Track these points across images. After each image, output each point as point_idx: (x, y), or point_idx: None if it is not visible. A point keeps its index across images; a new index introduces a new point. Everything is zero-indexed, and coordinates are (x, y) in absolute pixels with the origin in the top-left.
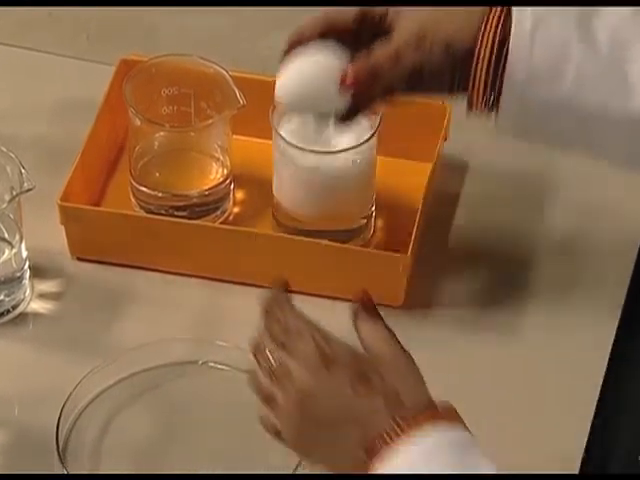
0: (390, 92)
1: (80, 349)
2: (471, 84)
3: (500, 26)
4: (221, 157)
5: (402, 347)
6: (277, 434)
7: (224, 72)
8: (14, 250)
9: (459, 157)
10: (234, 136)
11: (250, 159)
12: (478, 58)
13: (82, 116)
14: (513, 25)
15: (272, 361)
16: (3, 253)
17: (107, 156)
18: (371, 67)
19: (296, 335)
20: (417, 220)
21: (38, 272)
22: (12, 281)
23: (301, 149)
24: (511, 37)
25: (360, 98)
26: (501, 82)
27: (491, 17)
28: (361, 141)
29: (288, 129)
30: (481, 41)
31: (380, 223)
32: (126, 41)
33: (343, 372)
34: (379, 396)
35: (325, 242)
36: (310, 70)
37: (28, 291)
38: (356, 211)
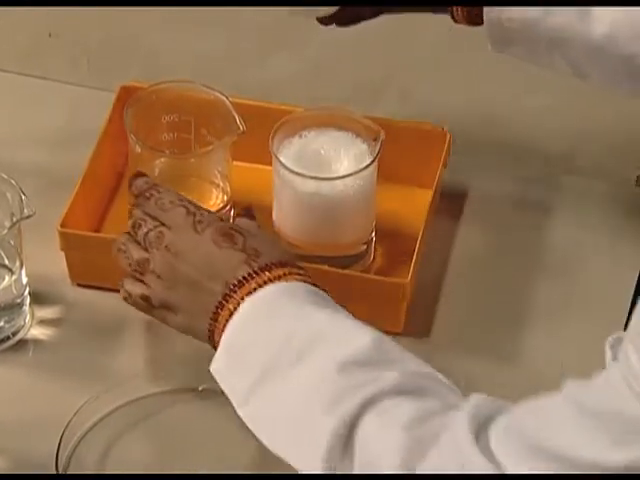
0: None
1: (80, 376)
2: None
3: None
4: (221, 183)
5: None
6: (144, 298)
7: (224, 98)
8: (14, 276)
9: (459, 183)
10: (234, 162)
11: (250, 185)
12: None
13: (83, 142)
14: None
15: (146, 230)
16: (3, 279)
17: (107, 182)
18: None
19: (169, 206)
20: (417, 246)
21: (38, 298)
22: (12, 307)
23: (301, 175)
24: None
25: None
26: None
27: None
28: (361, 167)
29: (288, 155)
30: None
31: (380, 249)
32: (127, 67)
33: (209, 231)
34: (241, 252)
35: (325, 268)
36: None
37: (28, 317)
38: (356, 237)
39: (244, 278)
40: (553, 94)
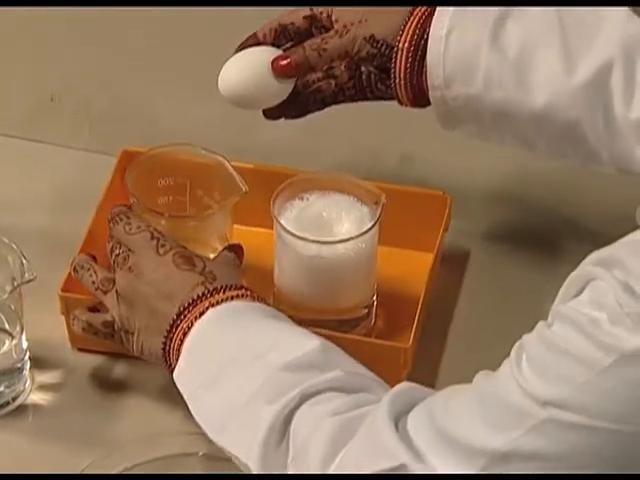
0: (329, 84)
1: (80, 441)
2: (392, 78)
3: (420, 26)
4: (219, 248)
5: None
6: (106, 325)
7: (223, 160)
8: (15, 341)
9: (460, 247)
10: (235, 225)
11: (251, 248)
12: (397, 55)
13: (84, 206)
14: (431, 29)
15: (117, 253)
16: (4, 344)
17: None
18: (299, 52)
19: (135, 230)
20: (418, 310)
21: (38, 363)
22: (12, 372)
23: (302, 239)
24: (428, 41)
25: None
26: (425, 81)
27: (414, 16)
28: (362, 231)
29: (289, 217)
30: (400, 39)
31: (381, 312)
32: (128, 131)
33: (171, 253)
34: (199, 275)
35: (326, 331)
36: (247, 60)
37: (28, 382)
38: (357, 300)
39: (198, 297)
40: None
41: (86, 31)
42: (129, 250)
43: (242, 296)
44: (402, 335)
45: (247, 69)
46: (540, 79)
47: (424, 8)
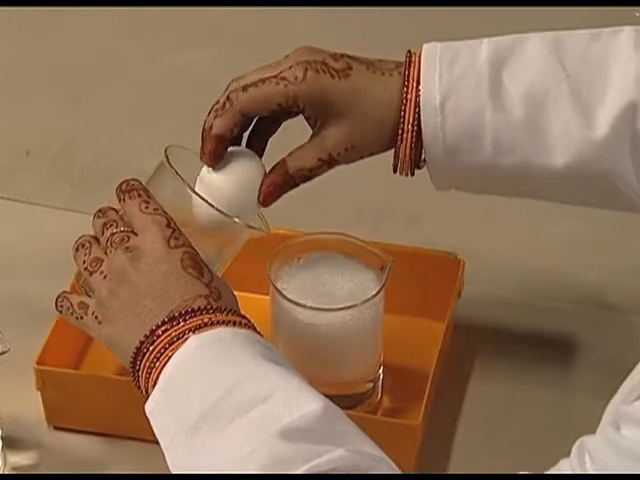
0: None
1: None
2: (395, 159)
3: (416, 100)
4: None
5: None
6: (81, 306)
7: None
8: None
9: (474, 316)
10: None
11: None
12: (402, 139)
13: (63, 271)
14: (422, 102)
15: (114, 231)
16: None
17: None
18: (283, 176)
19: (151, 211)
20: (429, 384)
21: (12, 443)
22: None
23: (300, 305)
24: (421, 115)
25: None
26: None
27: (409, 91)
28: (367, 297)
29: (287, 281)
30: (402, 121)
31: (388, 387)
32: (114, 189)
33: (181, 251)
34: (204, 286)
35: None
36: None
37: (0, 463)
38: (361, 374)
39: (199, 309)
40: (577, 219)
41: (68, 82)
42: (132, 231)
43: (244, 325)
44: (411, 412)
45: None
46: (557, 137)
47: (415, 84)
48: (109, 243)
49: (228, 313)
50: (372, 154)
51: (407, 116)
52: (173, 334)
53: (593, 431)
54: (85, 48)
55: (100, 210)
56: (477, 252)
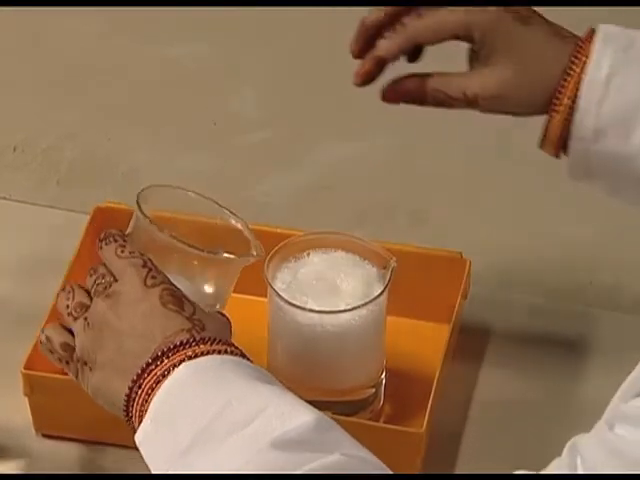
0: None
1: None
2: (543, 133)
3: (580, 75)
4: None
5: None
6: (64, 347)
7: (243, 227)
8: None
9: (480, 318)
10: None
11: (242, 319)
12: (555, 110)
13: (51, 271)
14: (587, 73)
15: (96, 277)
16: None
17: None
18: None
19: (127, 255)
20: (433, 389)
21: None
22: None
23: (300, 308)
24: (582, 87)
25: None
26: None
27: (577, 64)
28: (369, 298)
29: (284, 280)
30: (561, 91)
31: (391, 392)
32: (102, 186)
33: (160, 288)
34: (186, 320)
35: (329, 415)
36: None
37: None
38: (364, 379)
39: (181, 343)
40: (589, 219)
41: (56, 77)
42: (114, 278)
43: (230, 353)
44: (415, 419)
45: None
46: None
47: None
48: (94, 292)
49: (213, 343)
50: (513, 113)
51: (568, 87)
52: (159, 372)
53: None
54: (73, 43)
55: (92, 267)
56: (484, 251)
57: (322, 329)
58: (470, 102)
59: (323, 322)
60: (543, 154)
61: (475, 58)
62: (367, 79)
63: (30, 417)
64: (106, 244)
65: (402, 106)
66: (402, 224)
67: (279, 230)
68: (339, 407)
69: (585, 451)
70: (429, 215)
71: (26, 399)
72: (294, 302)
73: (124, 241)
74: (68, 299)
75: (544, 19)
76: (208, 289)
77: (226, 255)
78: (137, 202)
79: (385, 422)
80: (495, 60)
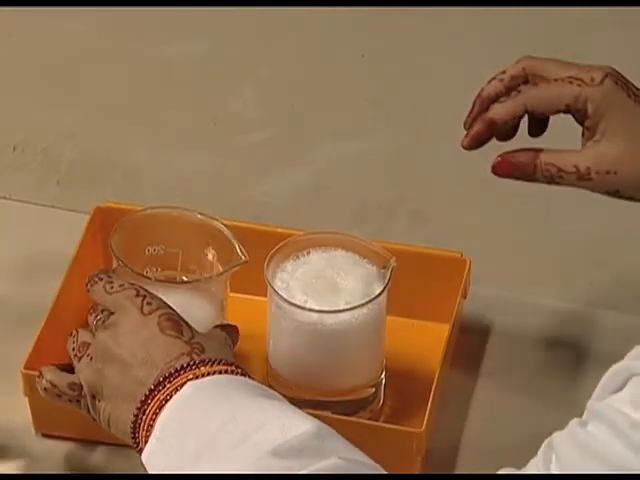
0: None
1: None
2: None
3: None
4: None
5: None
6: (72, 387)
7: (223, 227)
8: None
9: (480, 317)
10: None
11: (244, 319)
12: None
13: (51, 271)
14: None
15: (95, 314)
16: None
17: (78, 317)
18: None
19: (117, 289)
20: (433, 389)
21: None
22: None
23: (300, 307)
24: None
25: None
26: None
27: None
28: (369, 298)
29: (284, 279)
30: None
31: (391, 392)
32: (102, 186)
33: (157, 314)
34: (185, 344)
35: (328, 414)
36: None
37: None
38: (363, 378)
39: (182, 368)
40: (588, 219)
41: (55, 77)
42: (110, 312)
43: (231, 372)
44: (415, 418)
45: None
46: None
47: None
48: (94, 328)
49: (213, 364)
50: (629, 198)
51: None
52: (162, 397)
53: None
54: (73, 43)
55: (91, 307)
56: (484, 251)
57: (322, 328)
58: (582, 176)
59: (323, 321)
60: None
61: (588, 136)
62: (476, 142)
63: (30, 417)
64: (92, 285)
65: (402, 106)
66: (402, 224)
67: (279, 230)
68: (339, 407)
69: (559, 448)
70: (429, 215)
71: (26, 399)
72: (294, 301)
73: (109, 277)
74: (73, 342)
75: None
76: (202, 311)
77: (204, 276)
78: (110, 245)
79: (385, 422)
80: (611, 135)
